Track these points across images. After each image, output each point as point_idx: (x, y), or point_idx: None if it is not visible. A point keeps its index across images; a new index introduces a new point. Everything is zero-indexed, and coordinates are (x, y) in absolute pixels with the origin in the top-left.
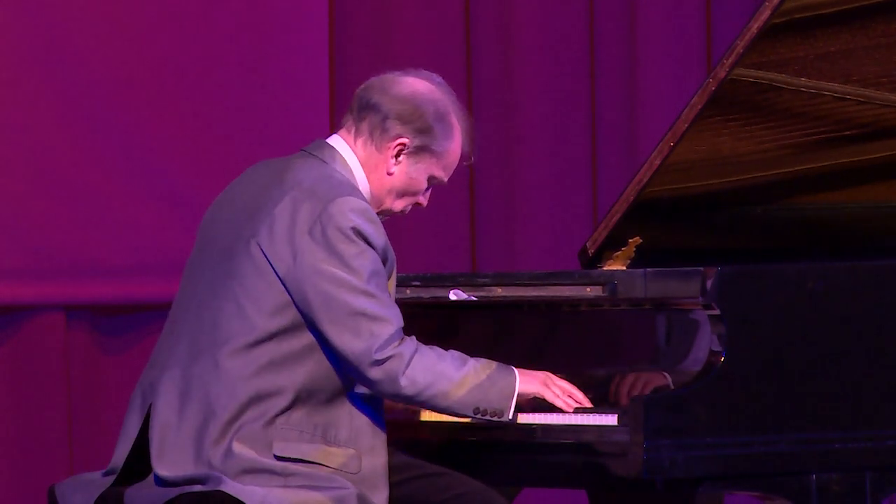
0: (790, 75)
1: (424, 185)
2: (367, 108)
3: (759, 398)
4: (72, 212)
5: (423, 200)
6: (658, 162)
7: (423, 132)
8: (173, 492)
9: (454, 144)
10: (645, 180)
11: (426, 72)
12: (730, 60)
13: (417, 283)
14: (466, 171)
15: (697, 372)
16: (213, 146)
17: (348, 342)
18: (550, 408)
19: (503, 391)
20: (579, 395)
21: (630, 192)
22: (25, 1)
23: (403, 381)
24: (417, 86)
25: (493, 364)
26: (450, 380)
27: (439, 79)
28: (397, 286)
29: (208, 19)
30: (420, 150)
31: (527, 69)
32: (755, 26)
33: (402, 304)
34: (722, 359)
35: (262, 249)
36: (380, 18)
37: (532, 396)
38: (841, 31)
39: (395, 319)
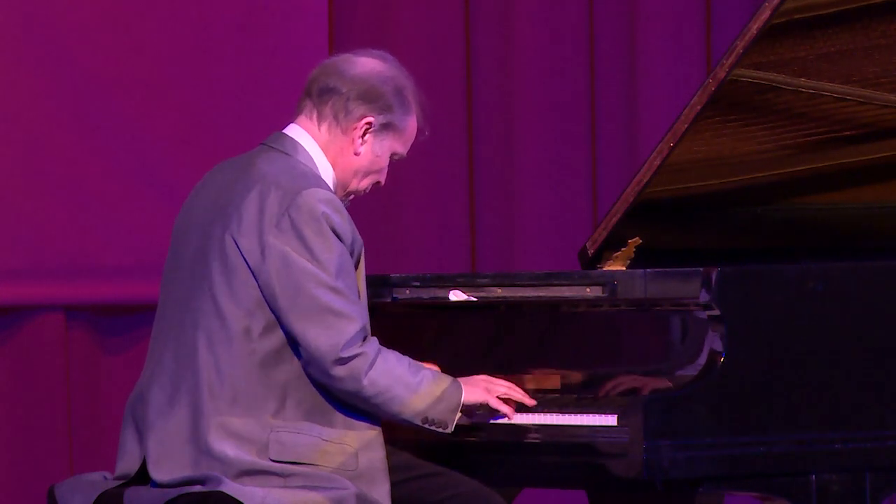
0: (790, 76)
1: (387, 161)
2: (327, 92)
3: (758, 398)
4: (72, 212)
5: (383, 178)
6: (658, 162)
7: (385, 109)
8: (173, 492)
9: (413, 119)
10: (645, 180)
11: (376, 51)
12: (730, 60)
13: (417, 284)
14: (466, 171)
15: (697, 372)
16: (214, 146)
17: (314, 337)
18: (525, 408)
19: (451, 404)
20: (519, 394)
21: (630, 192)
22: (25, 1)
23: (365, 381)
24: (372, 65)
25: (442, 375)
26: (407, 386)
27: (390, 56)
28: (396, 286)
29: (209, 19)
30: (384, 128)
31: (527, 69)
32: (755, 26)
33: (402, 304)
34: (722, 359)
35: (234, 241)
36: (380, 18)
37: (478, 405)
38: (841, 31)
39: (360, 317)
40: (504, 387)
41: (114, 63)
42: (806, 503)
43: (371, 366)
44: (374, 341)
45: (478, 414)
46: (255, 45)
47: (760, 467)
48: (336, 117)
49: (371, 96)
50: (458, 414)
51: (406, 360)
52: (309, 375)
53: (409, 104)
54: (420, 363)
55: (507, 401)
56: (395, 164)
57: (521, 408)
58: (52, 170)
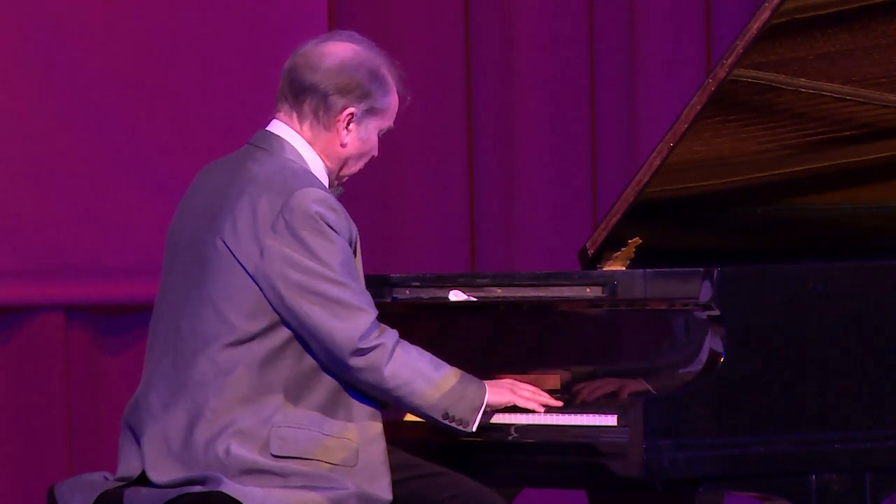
0: (790, 76)
1: (376, 140)
2: (303, 91)
3: (758, 398)
4: (72, 212)
5: (376, 152)
6: (658, 162)
7: (364, 97)
8: (173, 493)
9: (393, 96)
10: (645, 181)
11: (344, 32)
12: (730, 60)
13: (417, 284)
14: (466, 171)
15: (697, 372)
16: (214, 146)
17: (329, 331)
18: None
19: (472, 402)
20: (546, 397)
21: (630, 192)
22: (25, 1)
23: (386, 373)
24: (342, 52)
25: (467, 375)
26: (428, 380)
27: (358, 36)
28: (396, 286)
29: (209, 19)
30: (367, 114)
31: (527, 69)
32: (755, 26)
33: (402, 304)
34: (722, 359)
35: (228, 247)
36: (380, 18)
37: (503, 406)
38: (841, 31)
39: (371, 308)
40: (528, 391)
41: (113, 63)
42: (806, 503)
43: (391, 357)
44: (392, 333)
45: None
46: (255, 45)
47: (760, 467)
48: (316, 115)
49: (348, 87)
50: (480, 414)
51: (428, 354)
52: (313, 372)
53: (387, 82)
54: (442, 361)
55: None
56: (396, 164)
57: (520, 408)
58: (51, 170)
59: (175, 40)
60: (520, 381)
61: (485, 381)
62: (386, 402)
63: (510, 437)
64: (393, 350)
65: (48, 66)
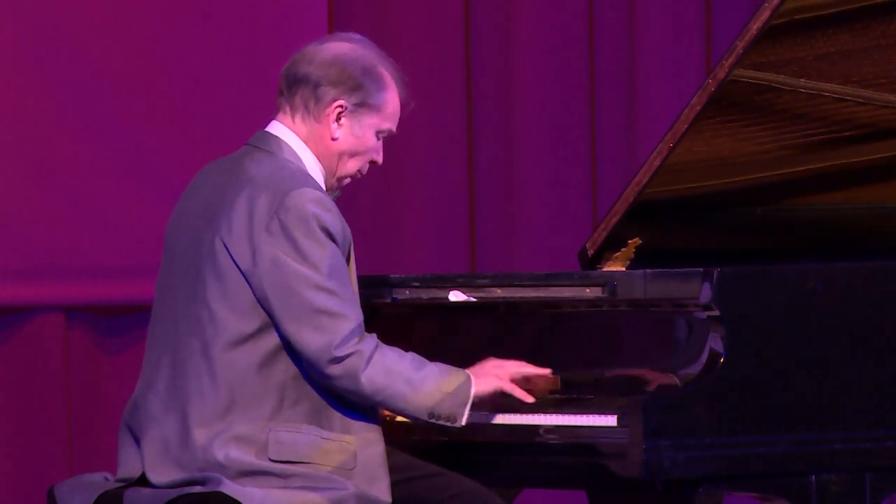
0: (790, 76)
1: (373, 140)
2: (295, 83)
3: (758, 398)
4: (72, 212)
5: (378, 157)
6: (658, 162)
7: (356, 89)
8: (172, 493)
9: (390, 94)
10: (644, 181)
11: (345, 33)
12: (730, 61)
13: (417, 284)
14: (466, 170)
15: (697, 372)
16: (213, 146)
17: (307, 339)
18: (526, 408)
19: (459, 397)
20: (531, 368)
21: (630, 192)
22: (26, 1)
23: (363, 379)
24: (339, 48)
25: (451, 369)
26: (408, 382)
27: (358, 36)
28: (396, 286)
29: (208, 20)
30: (359, 108)
31: (527, 69)
32: (755, 27)
33: (402, 305)
34: (722, 359)
35: (225, 246)
36: (380, 19)
37: (491, 394)
38: (840, 31)
39: (355, 315)
40: (514, 366)
41: (114, 63)
42: (806, 503)
43: (368, 363)
44: (370, 339)
45: (482, 413)
46: (254, 46)
47: (760, 467)
48: (307, 107)
49: (338, 79)
50: (468, 408)
51: (409, 356)
52: (308, 375)
53: (383, 79)
54: (425, 360)
55: (527, 388)
56: (396, 164)
57: (521, 408)
58: (52, 170)
59: (175, 40)
60: (520, 381)
61: (469, 371)
62: (367, 409)
63: (510, 438)
64: (371, 356)
65: (48, 66)
